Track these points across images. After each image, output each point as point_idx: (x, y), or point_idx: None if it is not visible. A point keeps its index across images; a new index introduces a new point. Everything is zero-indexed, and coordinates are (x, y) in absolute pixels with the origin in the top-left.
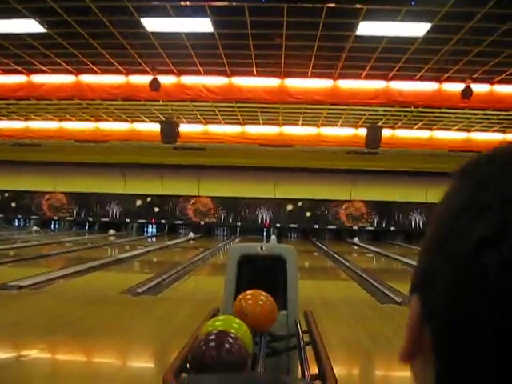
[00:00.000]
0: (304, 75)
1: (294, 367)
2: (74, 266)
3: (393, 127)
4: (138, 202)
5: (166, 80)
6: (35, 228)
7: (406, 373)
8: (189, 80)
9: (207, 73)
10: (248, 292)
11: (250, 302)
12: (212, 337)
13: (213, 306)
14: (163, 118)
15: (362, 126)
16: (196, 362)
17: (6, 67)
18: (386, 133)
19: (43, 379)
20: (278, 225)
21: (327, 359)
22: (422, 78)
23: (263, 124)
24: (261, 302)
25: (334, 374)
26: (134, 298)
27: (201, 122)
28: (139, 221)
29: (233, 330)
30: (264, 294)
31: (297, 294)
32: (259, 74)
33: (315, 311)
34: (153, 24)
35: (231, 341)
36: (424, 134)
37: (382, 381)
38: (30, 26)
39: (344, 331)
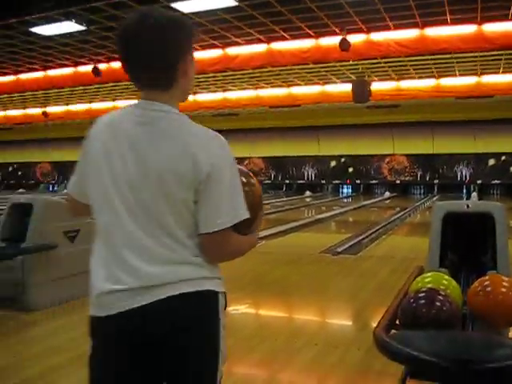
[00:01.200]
0: (504, 18)
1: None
2: (274, 227)
3: None
4: (333, 163)
5: (355, 39)
6: None
7: None
8: (379, 36)
9: (397, 27)
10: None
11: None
12: (422, 294)
13: (415, 264)
14: (354, 78)
15: None
16: (407, 318)
17: (203, 43)
18: None
19: (252, 332)
20: (479, 181)
21: None
22: None
23: (459, 75)
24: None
25: None
26: (333, 257)
27: (392, 79)
28: (334, 182)
29: (442, 287)
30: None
31: (507, 252)
32: (453, 22)
33: None
34: None
35: (442, 298)
36: None
37: None
38: (223, 0)
39: None
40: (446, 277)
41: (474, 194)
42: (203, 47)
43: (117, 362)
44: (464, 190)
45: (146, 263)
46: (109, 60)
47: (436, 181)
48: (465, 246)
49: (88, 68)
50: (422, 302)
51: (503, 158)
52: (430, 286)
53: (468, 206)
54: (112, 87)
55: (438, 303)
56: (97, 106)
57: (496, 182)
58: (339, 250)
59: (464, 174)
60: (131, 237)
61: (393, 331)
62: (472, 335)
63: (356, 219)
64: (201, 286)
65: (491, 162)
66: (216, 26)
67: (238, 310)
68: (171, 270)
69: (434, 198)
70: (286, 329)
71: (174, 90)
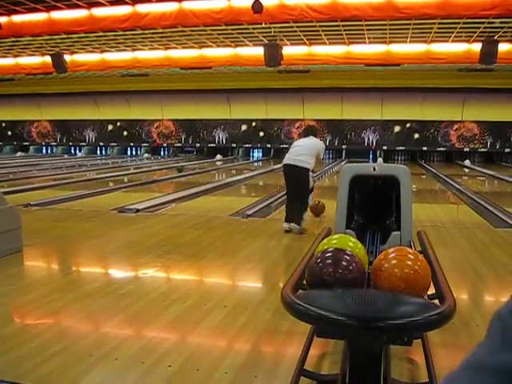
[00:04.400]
0: None
1: None
2: (184, 190)
3: (511, 41)
4: (243, 127)
5: (268, 1)
6: (146, 155)
7: None
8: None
9: None
10: (397, 253)
11: (406, 270)
12: (329, 254)
13: (323, 226)
14: (266, 41)
15: (475, 41)
16: (313, 278)
17: None
18: (503, 47)
19: (160, 295)
20: (385, 147)
21: (444, 279)
22: None
23: (369, 43)
24: (417, 267)
25: (452, 293)
26: (243, 220)
27: (304, 44)
28: (245, 145)
29: (348, 248)
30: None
31: (411, 215)
32: None
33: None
34: None
35: (348, 258)
36: None
37: (495, 304)
38: None
39: (457, 254)
40: (352, 239)
41: (380, 160)
42: (112, 3)
43: (285, 178)
44: (370, 156)
45: (298, 157)
46: (10, 13)
47: (344, 146)
48: (371, 208)
49: None
50: (329, 262)
51: (408, 125)
52: (336, 246)
53: (374, 169)
54: (13, 42)
55: (344, 263)
56: None
57: (400, 148)
58: (249, 212)
59: (371, 139)
60: (295, 153)
61: (300, 291)
62: (376, 293)
63: (266, 183)
64: (306, 166)
65: (397, 128)
66: None
67: (146, 273)
68: (301, 163)
69: (343, 163)
70: (195, 291)
71: (315, 157)
